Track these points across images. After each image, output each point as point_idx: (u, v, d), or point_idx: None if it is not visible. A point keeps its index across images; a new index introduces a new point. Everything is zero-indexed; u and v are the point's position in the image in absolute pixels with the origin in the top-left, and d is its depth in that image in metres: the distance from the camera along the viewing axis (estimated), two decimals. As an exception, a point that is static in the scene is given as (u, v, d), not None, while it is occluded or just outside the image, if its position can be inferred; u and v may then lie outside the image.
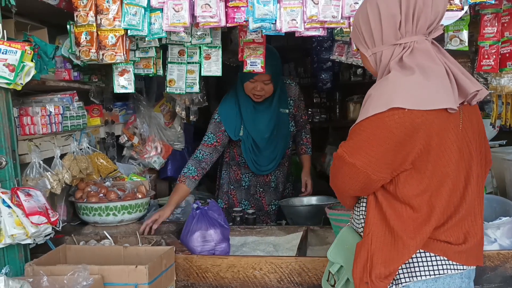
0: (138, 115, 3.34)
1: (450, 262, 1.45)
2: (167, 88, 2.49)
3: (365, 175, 1.43)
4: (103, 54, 2.14)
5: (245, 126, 2.78)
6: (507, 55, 2.14)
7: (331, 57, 2.73)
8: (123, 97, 3.36)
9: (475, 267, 1.51)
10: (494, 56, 2.13)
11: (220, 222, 2.33)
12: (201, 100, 2.86)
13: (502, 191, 2.17)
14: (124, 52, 2.15)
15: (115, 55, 2.12)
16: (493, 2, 1.95)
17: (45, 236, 1.96)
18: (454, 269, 1.45)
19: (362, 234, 1.53)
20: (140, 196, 2.69)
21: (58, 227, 2.05)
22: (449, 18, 1.99)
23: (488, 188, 2.36)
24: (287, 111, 2.91)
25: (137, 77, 3.43)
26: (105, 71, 2.76)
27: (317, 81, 5.28)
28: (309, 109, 5.69)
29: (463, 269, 1.47)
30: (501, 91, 2.20)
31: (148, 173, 3.41)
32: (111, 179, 2.88)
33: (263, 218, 2.99)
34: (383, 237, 1.45)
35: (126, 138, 3.24)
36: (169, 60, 2.47)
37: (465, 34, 2.15)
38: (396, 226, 1.43)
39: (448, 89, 1.39)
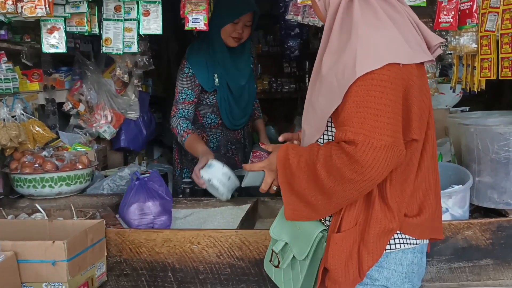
0: (85, 81, 3.12)
1: (403, 236, 1.32)
2: (103, 48, 2.27)
3: (399, 153, 1.18)
4: (22, 7, 1.91)
5: (222, 73, 2.58)
6: (467, 11, 1.98)
7: (286, 17, 2.56)
8: (69, 61, 3.15)
9: (427, 241, 1.38)
10: (453, 12, 1.97)
11: (161, 194, 2.17)
12: (146, 62, 2.64)
13: (459, 158, 2.04)
14: (47, 5, 1.93)
15: (35, 8, 1.90)
16: (451, -49, 1.78)
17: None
18: (407, 243, 1.32)
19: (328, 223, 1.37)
20: (80, 167, 2.50)
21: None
22: (404, -31, 1.81)
23: (446, 157, 2.23)
24: (251, 66, 2.78)
25: (85, 39, 3.22)
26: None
27: (285, 49, 5.07)
28: (278, 79, 5.51)
29: (416, 244, 1.34)
30: (460, 51, 2.04)
31: (97, 144, 3.21)
32: (51, 149, 2.67)
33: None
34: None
35: (70, 105, 3.02)
36: (104, 16, 2.25)
37: (423, -11, 1.98)
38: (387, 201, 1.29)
39: (420, 40, 1.29)
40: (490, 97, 3.74)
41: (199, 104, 2.66)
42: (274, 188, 1.48)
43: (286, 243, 1.46)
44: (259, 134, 3.00)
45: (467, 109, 2.74)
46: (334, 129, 1.34)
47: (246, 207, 2.33)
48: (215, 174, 2.16)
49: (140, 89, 3.38)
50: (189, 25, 2.13)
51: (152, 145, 4.36)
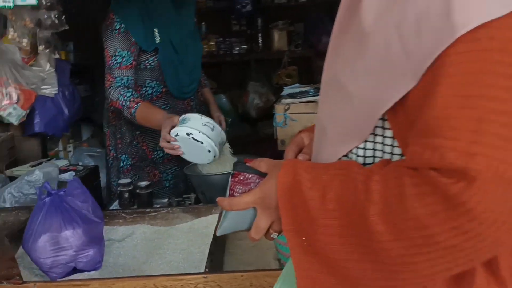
0: (-26, 48, 2.30)
1: None
2: (-18, -1, 1.49)
3: None
4: None
5: (164, 26, 2.08)
6: None
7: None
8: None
9: None
10: None
11: (85, 215, 1.46)
12: (55, 20, 1.86)
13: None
14: None
15: None
16: None
17: None
18: None
19: None
20: (-34, 174, 1.74)
21: None
22: None
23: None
24: (195, 20, 2.30)
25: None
26: None
27: (234, 3, 4.35)
28: (227, 39, 4.80)
29: None
30: None
31: (0, 132, 2.43)
32: None
33: None
34: None
35: (-46, 83, 2.20)
36: None
37: None
38: None
39: None
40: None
41: (136, 69, 2.08)
42: (275, 236, 0.83)
43: None
44: (208, 107, 2.36)
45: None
46: (386, 133, 0.70)
47: (211, 218, 1.69)
48: (195, 126, 1.64)
49: (58, 56, 2.62)
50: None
51: (80, 123, 3.63)
